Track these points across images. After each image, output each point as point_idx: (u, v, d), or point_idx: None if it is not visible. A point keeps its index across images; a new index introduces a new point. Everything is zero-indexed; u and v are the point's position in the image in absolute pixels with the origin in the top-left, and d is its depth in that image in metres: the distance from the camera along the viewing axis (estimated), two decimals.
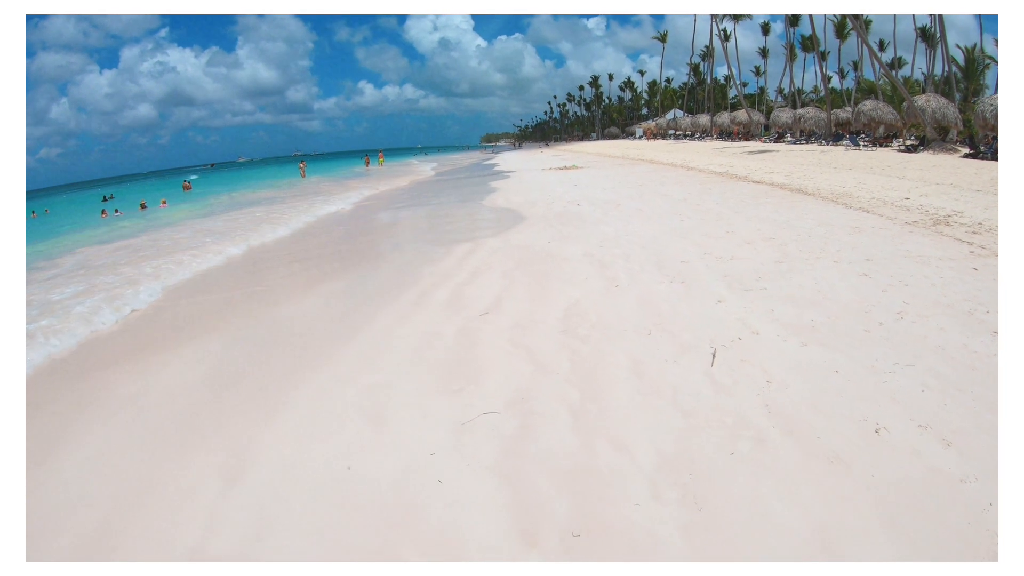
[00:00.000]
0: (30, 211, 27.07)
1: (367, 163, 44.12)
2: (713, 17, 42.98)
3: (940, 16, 26.56)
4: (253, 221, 14.23)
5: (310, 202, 18.73)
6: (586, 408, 3.26)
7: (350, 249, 9.73)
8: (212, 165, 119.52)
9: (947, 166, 15.38)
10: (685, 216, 9.30)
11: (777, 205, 10.16)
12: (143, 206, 22.54)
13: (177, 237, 12.54)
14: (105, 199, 32.02)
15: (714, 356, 3.83)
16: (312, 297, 6.57)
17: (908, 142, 26.10)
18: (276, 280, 7.71)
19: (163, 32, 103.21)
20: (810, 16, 30.14)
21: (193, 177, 53.98)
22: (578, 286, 5.62)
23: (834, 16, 38.50)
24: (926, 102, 23.96)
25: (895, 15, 37.10)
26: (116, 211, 21.24)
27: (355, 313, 5.65)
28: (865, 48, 36.77)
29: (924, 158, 18.83)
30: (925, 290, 4.77)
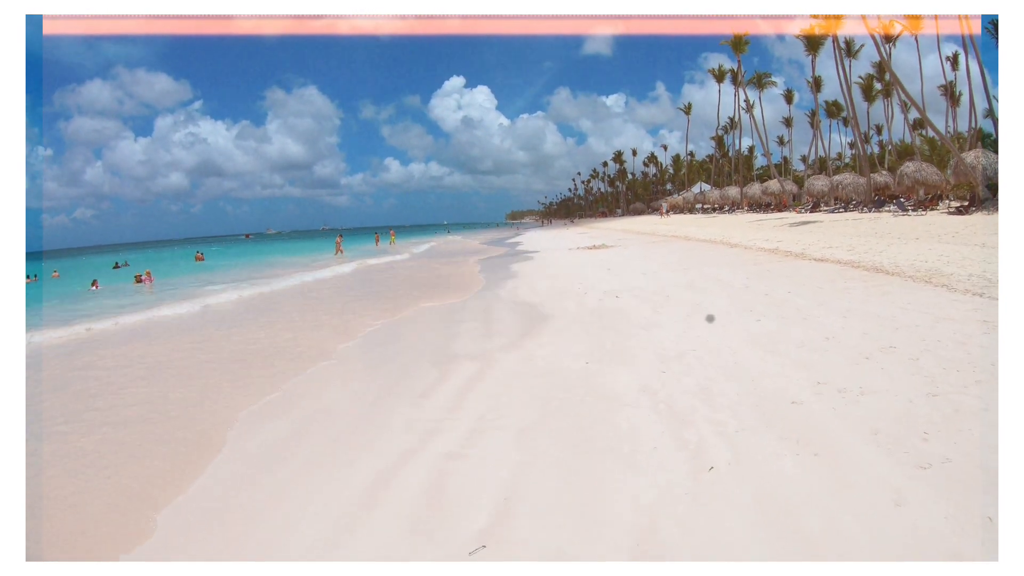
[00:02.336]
0: (32, 273, 26.01)
1: (377, 241, 43.28)
2: (736, 86, 42.69)
3: (981, 68, 25.29)
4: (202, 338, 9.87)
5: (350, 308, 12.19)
6: None
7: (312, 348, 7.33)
8: (248, 236, 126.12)
9: None
10: (759, 312, 7.36)
11: (864, 292, 8.24)
12: (138, 279, 21.37)
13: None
14: (117, 266, 32.23)
15: None
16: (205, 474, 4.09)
17: (954, 204, 24.14)
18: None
19: (197, 104, 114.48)
20: (839, 79, 29.17)
21: (215, 248, 55.93)
22: (644, 470, 3.44)
23: (860, 78, 37.82)
24: (976, 159, 22.15)
25: (920, 74, 36.30)
26: (94, 285, 20.23)
27: (252, 520, 3.36)
28: (893, 108, 35.69)
29: (985, 220, 17.02)
30: None
